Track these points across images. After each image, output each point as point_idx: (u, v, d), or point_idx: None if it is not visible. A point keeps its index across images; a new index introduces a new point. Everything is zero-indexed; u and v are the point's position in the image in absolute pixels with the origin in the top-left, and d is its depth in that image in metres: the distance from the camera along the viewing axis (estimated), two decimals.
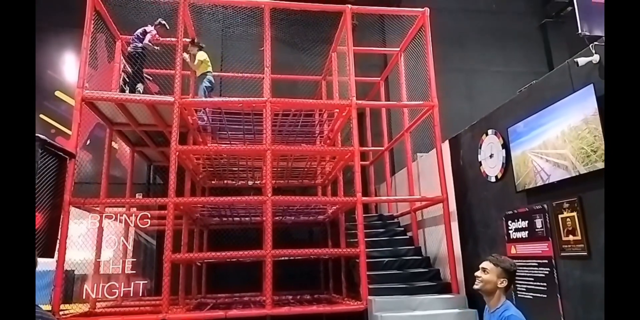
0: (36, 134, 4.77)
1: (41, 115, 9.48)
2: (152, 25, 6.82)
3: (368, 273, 5.67)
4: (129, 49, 6.76)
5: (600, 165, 3.54)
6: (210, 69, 7.01)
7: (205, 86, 6.80)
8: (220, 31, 9.11)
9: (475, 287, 2.66)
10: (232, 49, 10.04)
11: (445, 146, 6.42)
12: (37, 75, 9.76)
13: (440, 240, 6.34)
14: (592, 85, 3.67)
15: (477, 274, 2.66)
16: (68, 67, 9.90)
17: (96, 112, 6.32)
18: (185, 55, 6.76)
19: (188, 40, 6.87)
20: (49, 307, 5.19)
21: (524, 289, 4.54)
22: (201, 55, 6.93)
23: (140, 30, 6.76)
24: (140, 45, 6.59)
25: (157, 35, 6.76)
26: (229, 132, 7.15)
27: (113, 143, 7.62)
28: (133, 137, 7.51)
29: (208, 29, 8.09)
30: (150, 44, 6.61)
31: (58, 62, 9.99)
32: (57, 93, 9.72)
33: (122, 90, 6.81)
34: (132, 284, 5.49)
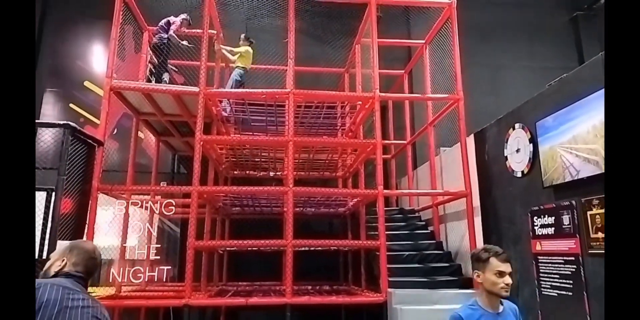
0: (67, 122, 4.93)
1: (71, 105, 9.74)
2: (175, 17, 6.92)
3: (388, 266, 5.66)
4: (154, 39, 6.87)
5: None
6: (248, 65, 7.10)
7: (236, 79, 6.88)
8: (243, 23, 9.15)
9: (507, 294, 2.40)
10: (256, 41, 10.09)
11: (470, 140, 6.33)
12: (67, 66, 10.03)
13: (462, 236, 6.28)
14: None
15: (509, 280, 2.39)
16: (97, 58, 10.13)
17: (124, 101, 6.45)
18: (225, 47, 6.90)
19: (213, 32, 6.92)
20: None
21: (549, 287, 4.46)
22: (245, 48, 7.06)
23: (164, 21, 6.86)
24: (165, 35, 6.69)
25: (181, 26, 6.85)
26: (252, 123, 7.21)
27: (139, 132, 7.78)
28: (159, 126, 7.65)
29: (232, 21, 8.14)
30: (175, 35, 6.70)
31: (87, 53, 10.23)
32: (86, 83, 9.96)
33: (149, 81, 6.94)
34: (157, 269, 5.62)
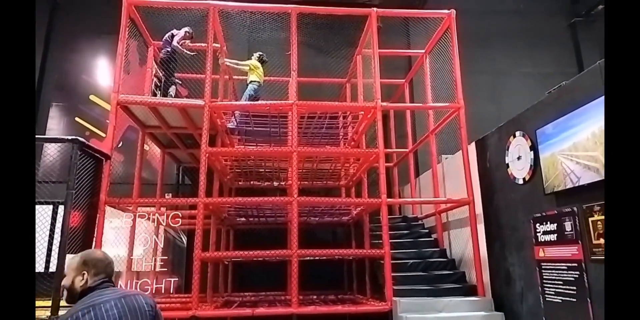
0: (76, 137, 5.04)
1: (76, 118, 9.88)
2: (177, 30, 7.07)
3: (392, 274, 5.70)
4: (160, 54, 7.01)
5: None
6: (260, 80, 7.21)
7: (250, 94, 6.97)
8: (246, 35, 9.30)
9: None
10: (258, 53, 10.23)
11: (472, 148, 6.40)
12: (73, 80, 10.20)
13: (466, 243, 6.31)
14: None
15: None
16: (102, 71, 10.29)
17: (130, 115, 6.56)
18: (230, 60, 7.04)
19: (217, 45, 7.05)
20: None
21: (553, 293, 4.50)
22: (252, 62, 7.17)
23: (168, 35, 7.02)
24: (169, 49, 6.84)
25: (184, 38, 7.00)
26: (256, 135, 7.30)
27: (144, 145, 7.88)
28: (164, 139, 7.75)
29: (235, 34, 8.28)
30: (178, 45, 6.84)
31: (92, 67, 10.40)
32: (92, 97, 10.11)
33: (154, 94, 7.06)
34: (164, 281, 5.68)
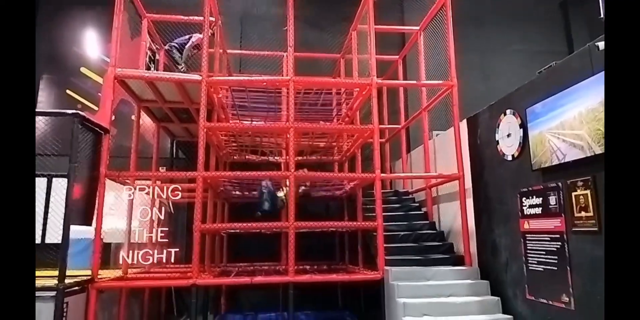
0: (76, 111, 5.08)
1: (67, 91, 9.77)
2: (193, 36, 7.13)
3: (384, 245, 5.97)
4: (171, 53, 7.09)
5: None
6: None
7: None
8: (242, 10, 9.19)
9: None
10: (251, 26, 10.14)
11: (463, 125, 6.59)
12: (63, 52, 10.01)
13: (454, 216, 6.61)
14: None
15: None
16: (93, 43, 10.10)
17: (126, 89, 6.55)
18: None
19: (212, 19, 7.00)
20: (88, 272, 5.61)
21: (535, 262, 4.82)
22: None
23: (184, 38, 7.08)
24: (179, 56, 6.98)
25: (195, 48, 7.08)
26: (252, 110, 7.38)
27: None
28: (159, 113, 7.78)
29: (229, 8, 8.19)
30: (188, 53, 6.98)
31: (83, 39, 10.19)
32: (83, 69, 9.97)
33: (148, 68, 7.05)
34: (165, 251, 5.84)
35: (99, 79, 9.93)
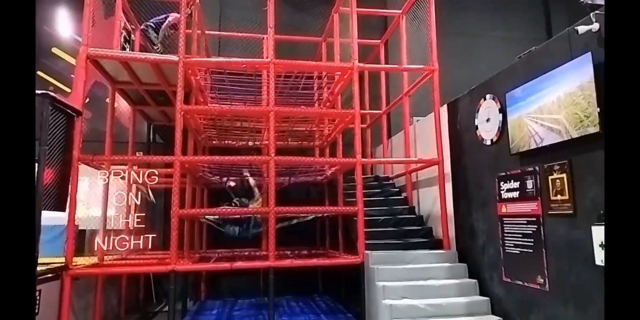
0: (46, 91, 4.87)
1: (39, 73, 9.37)
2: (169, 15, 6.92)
3: (365, 230, 5.99)
4: (147, 33, 6.89)
5: (592, 130, 3.77)
6: None
7: None
8: None
9: None
10: (231, 7, 9.89)
11: (443, 110, 6.60)
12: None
13: (434, 201, 6.67)
14: (589, 53, 3.83)
15: None
16: (65, 22, 9.69)
17: (100, 70, 6.33)
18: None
19: None
20: (62, 259, 5.47)
21: (512, 245, 4.90)
22: None
23: (162, 17, 6.87)
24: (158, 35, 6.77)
25: (171, 28, 6.92)
26: (231, 93, 7.22)
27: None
28: (135, 95, 7.55)
29: None
30: (163, 33, 6.82)
31: (54, 17, 9.76)
32: (55, 50, 9.58)
33: (123, 48, 6.80)
34: (142, 237, 5.73)
35: (72, 60, 9.56)
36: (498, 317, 5.01)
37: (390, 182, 8.36)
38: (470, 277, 5.63)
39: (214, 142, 8.59)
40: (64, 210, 5.60)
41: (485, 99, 5.61)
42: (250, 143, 8.52)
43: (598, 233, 3.63)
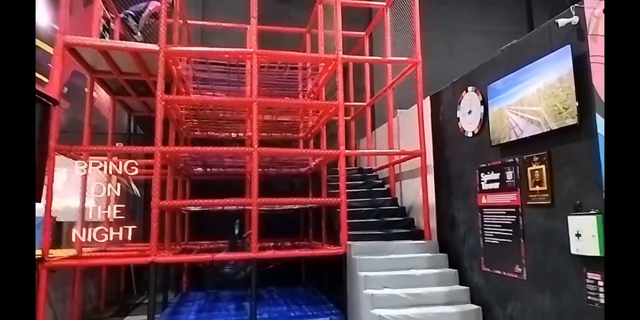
0: None
1: None
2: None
3: (347, 221, 6.01)
4: (127, 21, 6.75)
5: (570, 121, 3.83)
6: None
7: None
8: None
9: None
10: None
11: (426, 102, 6.63)
12: None
13: (416, 192, 6.72)
14: (569, 45, 3.88)
15: None
16: (41, 10, 9.36)
17: (77, 59, 6.17)
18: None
19: None
20: (38, 251, 5.34)
21: (492, 235, 4.98)
22: None
23: (142, 5, 6.73)
24: (138, 24, 6.64)
25: (151, 17, 6.77)
26: (214, 83, 7.13)
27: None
28: (114, 85, 7.39)
29: None
30: (144, 22, 6.70)
31: None
32: None
33: (102, 37, 6.64)
34: (121, 229, 5.64)
35: (49, 49, 9.28)
36: (477, 306, 5.10)
37: (374, 173, 8.40)
38: (450, 266, 5.71)
39: (196, 133, 8.48)
40: (39, 201, 5.47)
41: (467, 91, 5.65)
42: (234, 134, 8.45)
43: (574, 223, 3.71)
